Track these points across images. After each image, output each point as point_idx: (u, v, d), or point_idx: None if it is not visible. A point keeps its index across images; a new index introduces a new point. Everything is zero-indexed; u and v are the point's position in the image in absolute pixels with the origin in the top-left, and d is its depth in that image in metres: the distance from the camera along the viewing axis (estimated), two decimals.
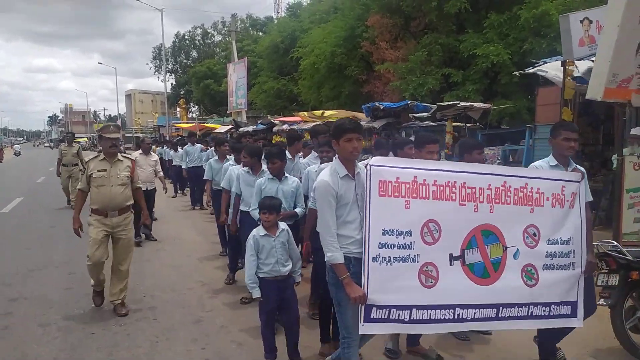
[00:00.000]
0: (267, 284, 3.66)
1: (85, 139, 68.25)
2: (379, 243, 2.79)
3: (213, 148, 9.63)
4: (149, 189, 8.02)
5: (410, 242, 2.85)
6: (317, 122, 15.73)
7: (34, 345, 4.12)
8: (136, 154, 8.14)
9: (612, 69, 5.20)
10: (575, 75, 6.93)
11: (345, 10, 22.20)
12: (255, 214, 4.24)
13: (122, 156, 4.93)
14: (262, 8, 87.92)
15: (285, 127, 18.39)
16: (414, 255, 2.86)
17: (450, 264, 2.95)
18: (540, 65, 7.82)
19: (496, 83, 15.10)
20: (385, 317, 2.82)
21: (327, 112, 15.39)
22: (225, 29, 52.99)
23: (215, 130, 25.49)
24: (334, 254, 2.84)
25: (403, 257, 2.84)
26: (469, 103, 10.19)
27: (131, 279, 5.88)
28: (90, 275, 4.96)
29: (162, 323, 4.61)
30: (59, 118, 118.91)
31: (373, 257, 2.78)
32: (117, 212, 4.77)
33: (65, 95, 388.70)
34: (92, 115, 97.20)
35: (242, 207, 5.11)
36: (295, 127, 17.73)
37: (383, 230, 2.81)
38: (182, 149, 13.27)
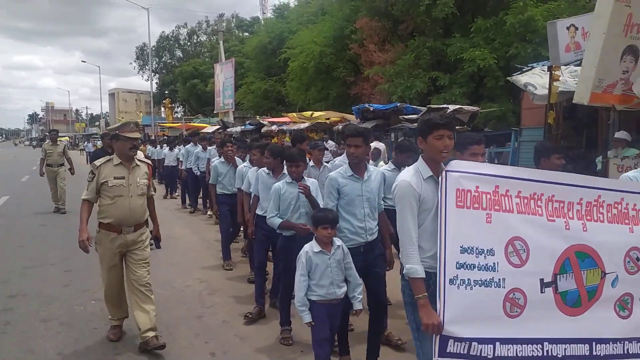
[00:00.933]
0: (320, 308, 3.28)
1: (67, 138, 67.31)
2: (457, 262, 2.40)
3: (214, 148, 9.52)
4: None
5: (494, 263, 2.45)
6: (306, 123, 15.92)
7: (39, 340, 4.17)
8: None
9: (598, 75, 5.45)
10: (560, 89, 7.16)
11: (333, 11, 22.41)
12: (274, 221, 4.06)
13: (139, 160, 4.16)
14: (248, 9, 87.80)
15: (274, 127, 18.49)
16: (499, 279, 2.45)
17: (541, 291, 2.55)
18: (528, 70, 8.07)
19: (482, 86, 15.42)
20: (465, 351, 2.41)
21: (317, 113, 15.55)
22: (210, 28, 52.85)
23: (203, 131, 25.42)
24: (413, 267, 2.47)
25: (486, 280, 2.44)
26: (458, 106, 10.41)
27: None
28: (108, 305, 4.27)
29: (164, 319, 4.68)
30: (39, 116, 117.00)
31: (450, 279, 2.39)
32: (132, 227, 4.02)
33: (46, 93, 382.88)
34: (73, 114, 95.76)
35: (258, 211, 4.88)
36: (284, 127, 17.86)
37: (461, 247, 2.42)
38: (177, 148, 12.73)
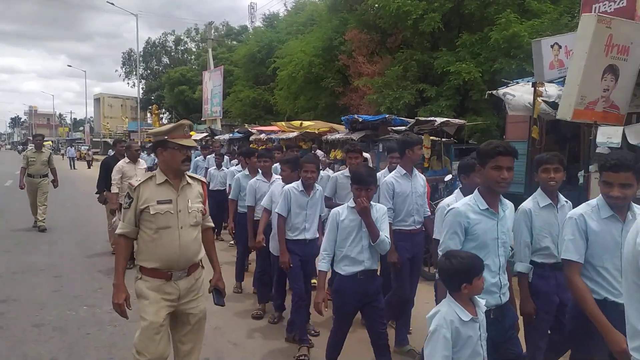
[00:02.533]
0: None
1: (50, 142, 66.42)
2: None
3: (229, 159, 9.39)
4: None
5: None
6: (295, 133, 16.04)
7: (32, 345, 4.19)
8: (122, 164, 6.84)
9: (580, 92, 5.70)
10: (542, 104, 7.38)
11: (322, 22, 22.68)
12: (323, 266, 3.31)
13: (190, 177, 3.01)
14: (237, 18, 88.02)
15: (262, 136, 18.57)
16: None
17: None
18: (513, 85, 8.30)
19: (468, 99, 15.73)
20: None
21: (306, 123, 15.67)
22: (199, 36, 52.91)
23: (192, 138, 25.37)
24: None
25: None
26: (445, 119, 10.65)
27: None
28: None
29: None
30: (22, 120, 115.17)
31: None
32: (186, 270, 2.91)
33: (28, 96, 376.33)
34: (57, 119, 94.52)
35: (290, 235, 4.28)
36: (273, 136, 17.96)
37: None
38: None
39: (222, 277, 3.19)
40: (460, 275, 2.23)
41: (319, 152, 12.42)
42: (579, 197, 7.88)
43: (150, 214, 2.80)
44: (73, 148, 36.27)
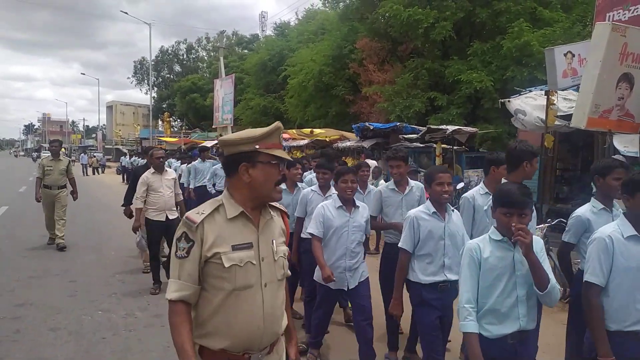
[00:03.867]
0: None
1: (62, 149, 67.24)
2: None
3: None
4: (170, 218, 5.99)
5: None
6: (305, 140, 16.12)
7: (48, 348, 4.23)
8: (147, 175, 6.00)
9: (594, 101, 5.68)
10: (558, 115, 7.38)
11: (333, 30, 22.83)
12: (469, 327, 2.35)
13: (271, 207, 2.04)
14: (248, 26, 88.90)
15: None
16: None
17: None
18: (526, 93, 8.31)
19: (479, 108, 15.72)
20: None
21: (316, 131, 15.76)
22: (210, 44, 53.49)
23: (201, 145, 25.55)
24: None
25: None
26: (457, 127, 10.65)
27: (132, 288, 6.07)
28: None
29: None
30: (35, 127, 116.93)
31: None
32: (268, 347, 1.92)
33: (43, 104, 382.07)
34: (70, 126, 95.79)
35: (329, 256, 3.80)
36: (284, 144, 18.04)
37: None
38: (185, 164, 10.95)
39: None
40: None
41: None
42: None
43: (224, 268, 1.77)
44: (86, 155, 36.67)
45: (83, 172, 32.50)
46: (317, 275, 3.88)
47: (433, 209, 3.39)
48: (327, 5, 27.35)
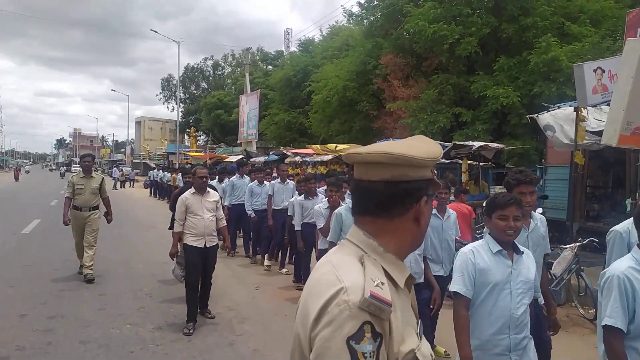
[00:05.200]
0: None
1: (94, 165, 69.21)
2: None
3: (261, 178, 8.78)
4: (208, 245, 5.37)
5: None
6: (330, 156, 16.15)
7: None
8: (187, 195, 5.40)
9: (626, 117, 5.54)
10: (588, 130, 7.24)
11: (357, 46, 23.00)
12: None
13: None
14: (273, 43, 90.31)
15: (297, 158, 18.77)
16: None
17: None
18: (554, 109, 8.18)
19: (505, 123, 15.54)
20: None
21: (341, 146, 15.76)
22: (235, 61, 54.51)
23: (226, 160, 25.92)
24: None
25: None
26: (483, 143, 10.54)
27: (159, 302, 6.15)
28: None
29: (197, 344, 4.81)
30: (66, 142, 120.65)
31: None
32: None
33: (73, 119, 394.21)
34: (100, 140, 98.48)
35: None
36: (307, 159, 18.13)
37: None
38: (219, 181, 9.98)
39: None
40: None
41: None
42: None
43: None
44: (118, 169, 37.72)
45: (114, 186, 33.31)
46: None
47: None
48: (351, 22, 27.62)
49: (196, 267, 5.34)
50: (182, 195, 5.48)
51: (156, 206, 20.49)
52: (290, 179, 9.07)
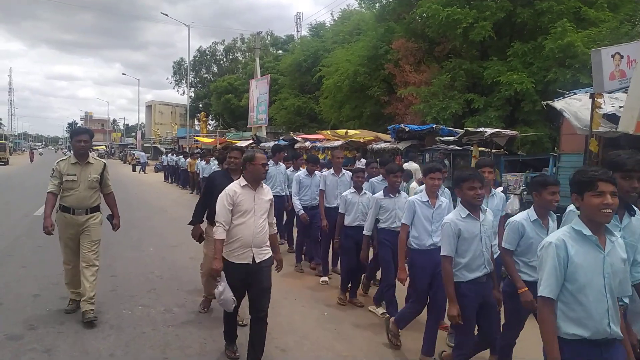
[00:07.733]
0: None
1: (104, 147, 69.67)
2: None
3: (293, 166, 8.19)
4: (257, 260, 3.82)
5: None
6: (340, 141, 16.10)
7: (91, 341, 4.37)
8: (235, 188, 3.81)
9: None
10: (602, 113, 7.11)
11: (368, 31, 22.74)
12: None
13: None
14: (283, 27, 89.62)
15: (307, 144, 18.74)
16: None
17: None
18: (570, 95, 8.02)
19: (518, 110, 15.33)
20: None
21: (351, 132, 15.72)
22: (245, 45, 54.22)
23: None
24: None
25: None
26: (495, 130, 10.41)
27: (170, 284, 6.18)
28: None
29: (208, 326, 4.85)
30: (78, 125, 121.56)
31: None
32: None
33: (84, 103, 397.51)
34: (111, 124, 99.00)
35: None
36: (317, 144, 18.10)
37: None
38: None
39: None
40: None
41: (363, 161, 11.27)
42: None
43: None
44: (143, 152, 38.04)
45: (137, 170, 33.25)
46: None
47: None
48: (363, 5, 27.27)
49: (240, 293, 3.89)
50: (229, 188, 3.84)
51: (165, 190, 20.60)
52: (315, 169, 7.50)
